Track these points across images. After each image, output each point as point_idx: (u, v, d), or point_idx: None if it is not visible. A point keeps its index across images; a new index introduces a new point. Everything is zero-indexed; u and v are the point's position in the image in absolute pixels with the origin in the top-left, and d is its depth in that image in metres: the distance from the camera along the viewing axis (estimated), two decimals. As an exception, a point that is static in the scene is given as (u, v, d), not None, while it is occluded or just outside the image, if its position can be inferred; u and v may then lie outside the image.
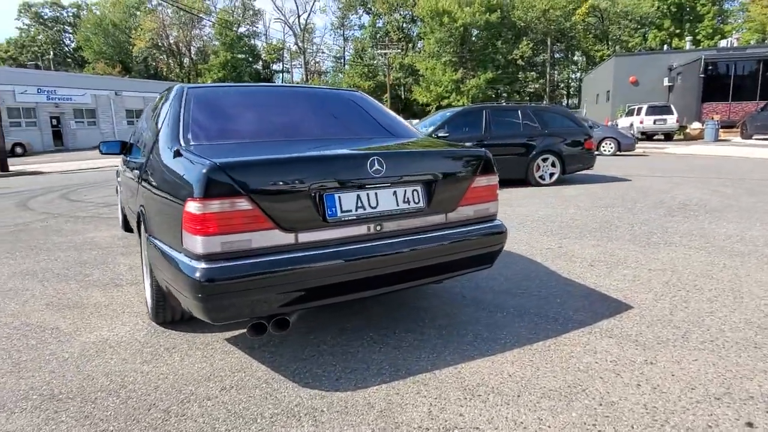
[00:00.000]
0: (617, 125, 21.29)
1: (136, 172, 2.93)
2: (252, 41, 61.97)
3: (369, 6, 59.49)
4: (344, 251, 2.04)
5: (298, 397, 1.94)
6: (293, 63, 66.74)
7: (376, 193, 2.13)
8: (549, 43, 48.76)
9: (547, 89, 51.66)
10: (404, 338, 2.45)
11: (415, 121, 13.54)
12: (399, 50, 51.56)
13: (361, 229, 2.10)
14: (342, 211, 2.05)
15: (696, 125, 22.52)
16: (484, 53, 46.34)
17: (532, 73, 51.58)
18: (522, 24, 47.15)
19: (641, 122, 21.60)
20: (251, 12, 62.16)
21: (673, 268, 3.47)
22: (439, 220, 2.32)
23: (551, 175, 8.37)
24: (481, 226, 2.45)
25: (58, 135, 31.51)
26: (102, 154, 3.88)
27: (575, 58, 57.02)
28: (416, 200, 2.23)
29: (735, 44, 31.74)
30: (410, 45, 56.26)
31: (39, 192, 9.41)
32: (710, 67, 24.43)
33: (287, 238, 1.95)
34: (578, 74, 56.86)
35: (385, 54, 49.19)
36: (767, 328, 2.44)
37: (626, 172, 10.03)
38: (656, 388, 1.93)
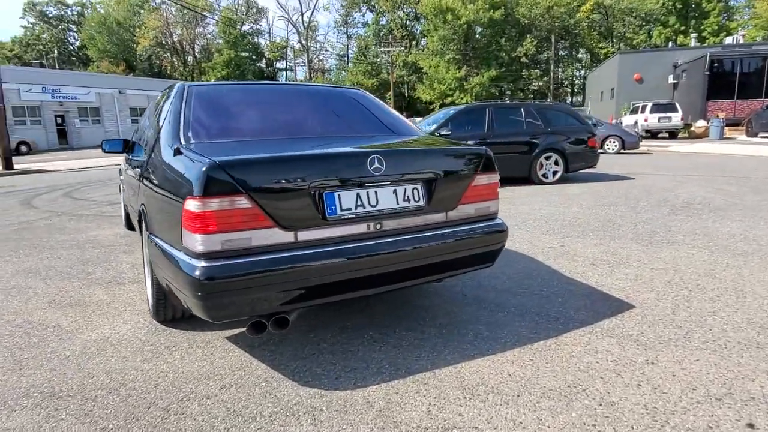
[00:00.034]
0: (621, 123, 21.20)
1: (138, 170, 2.93)
2: (255, 39, 62.09)
3: (372, 3, 59.40)
4: (344, 250, 2.03)
5: (297, 396, 1.94)
6: (297, 61, 66.83)
7: (376, 192, 2.12)
8: (553, 40, 48.59)
9: (551, 87, 51.48)
10: (405, 337, 2.45)
11: (418, 119, 13.52)
12: (402, 48, 51.50)
13: (360, 228, 2.09)
14: (342, 210, 2.04)
15: (701, 123, 22.37)
16: (487, 51, 46.20)
17: (536, 70, 51.37)
18: (526, 21, 46.98)
19: (645, 120, 21.48)
20: (255, 10, 62.22)
21: (675, 268, 3.45)
22: (439, 219, 2.31)
23: (554, 173, 8.34)
24: (482, 225, 2.44)
25: (62, 133, 31.64)
26: (105, 152, 3.90)
27: (579, 55, 56.84)
28: (416, 198, 2.23)
29: (741, 41, 31.50)
30: (414, 43, 56.19)
31: (43, 190, 9.45)
32: (715, 65, 24.27)
33: (287, 237, 1.95)
34: (582, 72, 56.67)
35: (389, 52, 49.15)
36: (770, 328, 2.42)
37: (630, 170, 9.99)
38: (657, 388, 1.92)
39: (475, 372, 2.09)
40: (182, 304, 2.10)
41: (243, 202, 1.85)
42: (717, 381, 1.96)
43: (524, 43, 46.35)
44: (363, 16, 63.55)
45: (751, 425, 1.68)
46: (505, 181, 8.12)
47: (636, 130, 19.33)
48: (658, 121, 21.41)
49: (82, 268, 3.85)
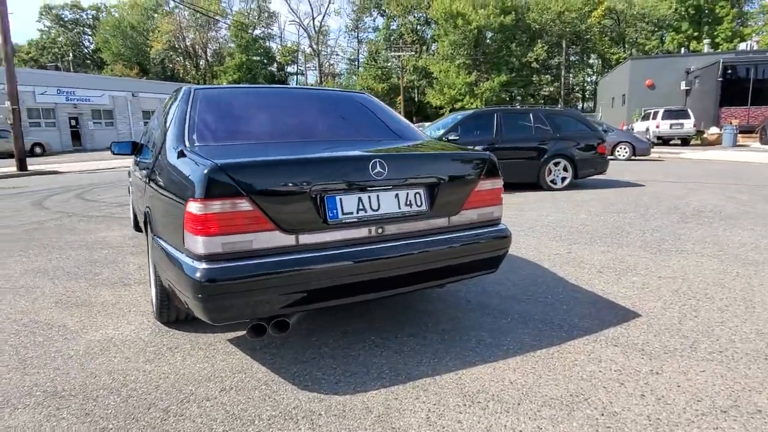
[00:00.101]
0: (633, 129, 21.03)
1: (145, 172, 2.96)
2: (267, 43, 62.55)
3: (383, 8, 59.61)
4: (345, 253, 2.03)
5: (296, 400, 1.94)
6: (307, 65, 67.25)
7: (377, 196, 2.12)
8: (564, 45, 48.41)
9: (562, 92, 51.25)
10: (406, 342, 2.44)
11: (426, 124, 13.52)
12: (413, 53, 51.57)
13: (362, 232, 2.09)
14: (343, 213, 2.04)
15: (714, 130, 22.12)
16: (498, 56, 46.11)
17: (546, 76, 51.20)
18: (537, 26, 46.84)
19: (657, 126, 21.30)
20: (266, 14, 62.72)
21: (683, 276, 3.40)
22: (441, 224, 2.30)
23: (563, 179, 8.29)
24: (485, 230, 2.43)
25: (76, 135, 32.10)
26: (113, 154, 3.93)
27: (591, 61, 56.51)
28: (418, 203, 2.22)
29: (755, 47, 31.14)
30: (424, 47, 56.24)
31: (55, 191, 9.58)
32: (729, 71, 24.00)
33: (288, 240, 1.96)
34: (594, 77, 56.34)
35: (399, 56, 49.26)
36: (779, 339, 2.38)
37: (640, 177, 9.90)
38: (661, 399, 1.89)
39: (476, 379, 2.08)
40: (185, 306, 2.11)
41: (244, 204, 1.86)
42: (723, 393, 1.93)
43: (535, 49, 46.19)
44: (374, 20, 63.86)
45: (756, 438, 1.65)
46: (514, 187, 8.10)
47: (647, 136, 19.14)
48: (670, 127, 21.21)
49: (89, 268, 3.89)
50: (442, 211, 2.29)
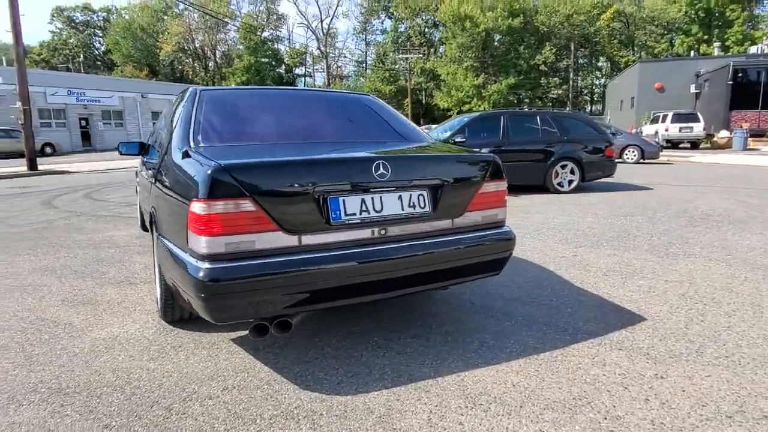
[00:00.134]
0: (641, 133, 20.89)
1: (150, 172, 2.98)
2: (275, 45, 62.84)
3: (391, 11, 59.71)
4: (348, 255, 2.03)
5: (298, 400, 1.94)
6: (316, 67, 67.48)
7: (381, 197, 2.12)
8: (573, 48, 48.16)
9: (570, 95, 51.00)
10: (409, 344, 2.43)
11: (434, 126, 13.52)
12: (420, 55, 51.61)
13: (365, 233, 2.09)
14: (346, 215, 2.05)
15: (724, 133, 21.93)
16: (506, 58, 46.03)
17: (555, 78, 50.96)
18: (545, 29, 46.71)
19: (666, 130, 21.14)
20: (275, 17, 63.06)
21: (691, 280, 3.37)
22: (445, 226, 2.30)
23: (570, 182, 8.25)
24: (489, 233, 2.42)
25: (86, 136, 32.40)
26: (121, 154, 3.96)
27: (599, 63, 56.25)
28: (422, 205, 2.22)
29: (766, 50, 30.83)
30: (432, 50, 56.27)
31: (65, 191, 9.67)
32: (739, 74, 23.80)
33: (291, 240, 1.96)
34: (602, 80, 56.05)
35: (407, 59, 49.30)
36: (787, 345, 2.35)
37: (649, 180, 9.83)
38: (665, 403, 1.88)
39: (478, 381, 2.07)
40: (188, 305, 2.12)
41: (247, 205, 1.87)
42: (728, 398, 1.90)
43: (543, 51, 46.05)
44: (382, 23, 63.98)
45: (762, 445, 1.63)
46: (520, 190, 8.08)
47: (656, 140, 19.03)
48: (680, 131, 21.05)
49: (96, 267, 3.92)
50: (445, 213, 2.29)
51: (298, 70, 67.29)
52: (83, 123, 32.24)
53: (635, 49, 51.06)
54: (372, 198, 2.10)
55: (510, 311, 2.85)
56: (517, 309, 2.89)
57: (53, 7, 63.00)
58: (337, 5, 72.36)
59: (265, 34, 61.77)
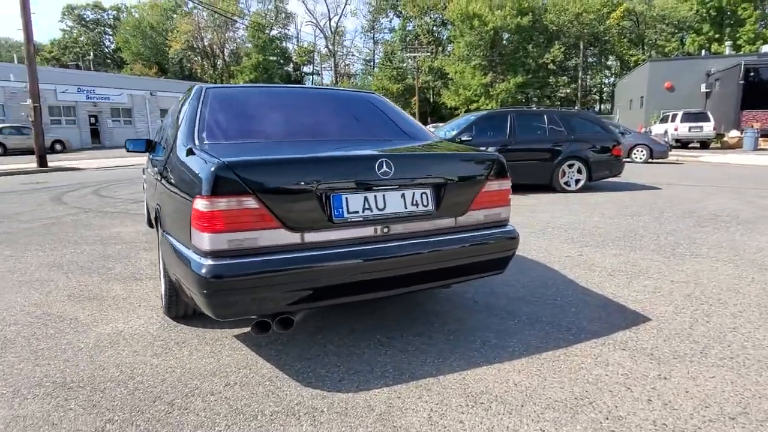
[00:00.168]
0: (651, 132, 20.71)
1: (156, 169, 3.00)
2: (284, 44, 62.96)
3: (399, 9, 59.60)
4: (350, 252, 2.03)
5: (299, 396, 1.95)
6: (323, 65, 67.52)
7: (383, 195, 2.12)
8: (582, 47, 47.80)
9: (579, 94, 50.64)
10: (412, 342, 2.43)
11: (441, 125, 13.48)
12: (428, 53, 51.48)
13: (367, 231, 2.09)
14: (348, 212, 2.05)
15: (734, 133, 21.68)
16: (514, 57, 45.77)
17: (563, 77, 50.58)
18: (554, 28, 46.37)
19: (676, 129, 20.95)
20: (283, 15, 63.17)
21: (697, 281, 3.34)
22: (448, 224, 2.29)
23: (577, 181, 8.20)
24: (492, 231, 2.42)
25: (95, 133, 32.68)
26: (128, 151, 3.99)
27: (609, 62, 55.78)
28: (425, 203, 2.22)
29: (778, 49, 30.43)
30: (440, 48, 56.10)
31: (74, 187, 9.76)
32: (751, 73, 23.50)
33: (293, 238, 1.97)
34: (611, 79, 55.61)
35: (415, 57, 49.20)
36: (793, 347, 2.32)
37: (657, 180, 9.75)
38: (668, 404, 1.86)
39: (479, 380, 2.06)
40: (192, 301, 2.13)
41: (250, 202, 1.88)
42: (732, 399, 1.89)
43: (552, 50, 45.73)
44: (390, 21, 63.86)
45: (765, 447, 1.61)
46: (527, 189, 8.04)
47: (665, 139, 18.86)
48: (689, 130, 20.85)
49: (102, 263, 3.95)
50: (448, 212, 2.29)
51: (306, 69, 67.44)
52: (93, 120, 32.52)
53: (645, 47, 50.59)
54: (375, 196, 2.10)
55: (514, 310, 2.84)
56: (520, 308, 2.88)
57: (64, 5, 63.47)
58: (345, 3, 72.49)
59: (274, 32, 61.91)
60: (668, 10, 46.78)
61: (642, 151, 14.85)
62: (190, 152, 2.18)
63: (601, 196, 7.67)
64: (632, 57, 49.05)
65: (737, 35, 43.51)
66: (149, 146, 3.92)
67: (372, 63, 65.62)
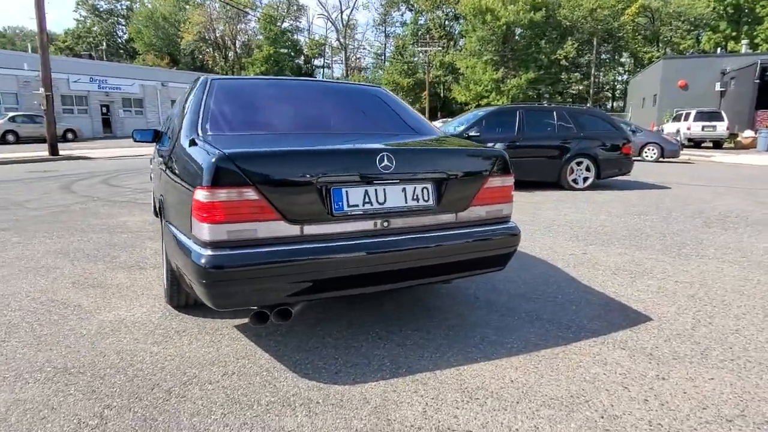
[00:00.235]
0: (663, 131, 20.47)
1: (161, 159, 3.02)
2: (295, 36, 62.98)
3: (412, 3, 59.26)
4: (349, 246, 2.04)
5: (296, 387, 1.96)
6: (334, 59, 67.40)
7: (384, 189, 2.12)
8: (595, 43, 47.20)
9: (591, 91, 50.08)
10: (410, 336, 2.44)
11: (450, 119, 13.41)
12: (440, 48, 51.15)
13: (367, 225, 2.09)
14: (349, 206, 2.05)
15: (748, 133, 21.35)
16: (526, 53, 45.32)
17: (576, 74, 50.06)
18: (567, 23, 45.82)
19: (688, 128, 20.69)
20: (295, 7, 63.10)
21: (701, 282, 3.31)
22: (448, 219, 2.29)
23: (585, 179, 8.13)
24: (493, 228, 2.40)
25: (107, 122, 32.93)
26: (135, 141, 4.02)
27: (622, 59, 55.09)
28: (426, 198, 2.21)
29: (797, 49, 29.88)
30: (451, 43, 55.73)
31: (83, 176, 9.86)
32: (767, 73, 23.10)
33: (293, 230, 1.97)
34: (625, 76, 54.96)
35: (426, 51, 48.93)
36: (796, 350, 2.29)
37: (666, 179, 9.64)
38: (664, 404, 1.85)
39: (476, 375, 2.06)
40: (192, 291, 2.15)
41: (250, 193, 1.88)
42: (730, 401, 1.87)
43: (565, 46, 45.20)
44: (402, 15, 63.57)
45: (761, 450, 1.60)
46: (534, 186, 8.00)
47: (677, 138, 18.61)
48: (702, 129, 20.59)
49: (108, 251, 4.00)
50: (449, 207, 2.28)
51: (316, 62, 67.37)
52: (104, 110, 32.76)
53: (660, 45, 49.91)
54: (375, 190, 2.10)
55: (514, 307, 2.84)
56: (521, 305, 2.87)
57: (78, -5, 63.87)
58: (357, -4, 71.97)
59: (285, 24, 61.91)
60: (684, 6, 46.07)
61: (653, 150, 14.69)
62: (192, 143, 2.19)
63: (609, 194, 7.61)
64: (646, 54, 48.41)
65: (755, 33, 42.72)
66: (156, 137, 3.94)
67: (383, 57, 65.39)
